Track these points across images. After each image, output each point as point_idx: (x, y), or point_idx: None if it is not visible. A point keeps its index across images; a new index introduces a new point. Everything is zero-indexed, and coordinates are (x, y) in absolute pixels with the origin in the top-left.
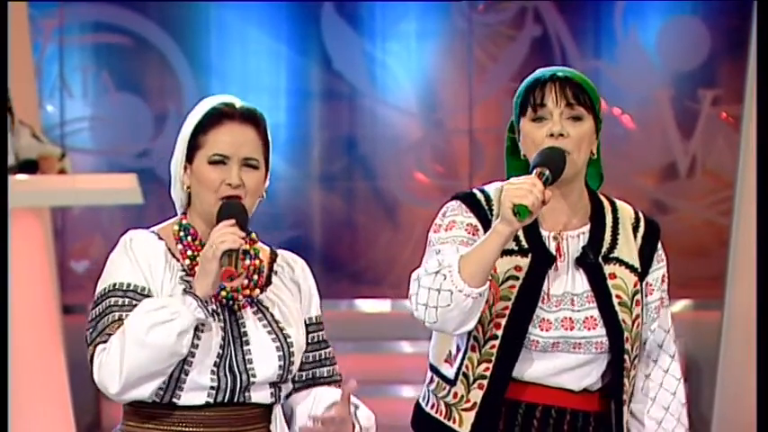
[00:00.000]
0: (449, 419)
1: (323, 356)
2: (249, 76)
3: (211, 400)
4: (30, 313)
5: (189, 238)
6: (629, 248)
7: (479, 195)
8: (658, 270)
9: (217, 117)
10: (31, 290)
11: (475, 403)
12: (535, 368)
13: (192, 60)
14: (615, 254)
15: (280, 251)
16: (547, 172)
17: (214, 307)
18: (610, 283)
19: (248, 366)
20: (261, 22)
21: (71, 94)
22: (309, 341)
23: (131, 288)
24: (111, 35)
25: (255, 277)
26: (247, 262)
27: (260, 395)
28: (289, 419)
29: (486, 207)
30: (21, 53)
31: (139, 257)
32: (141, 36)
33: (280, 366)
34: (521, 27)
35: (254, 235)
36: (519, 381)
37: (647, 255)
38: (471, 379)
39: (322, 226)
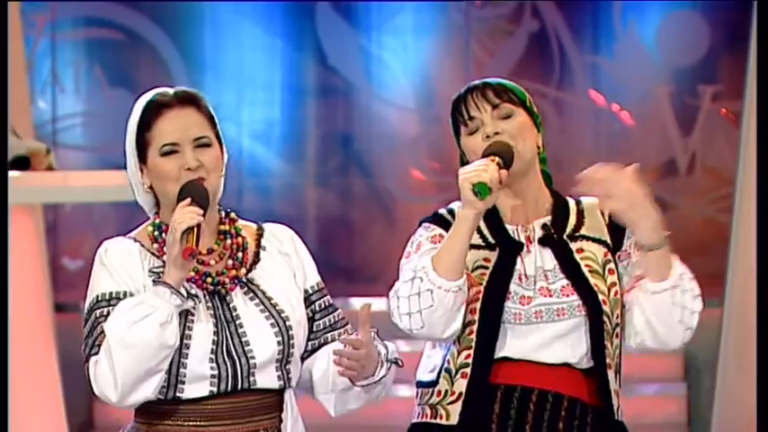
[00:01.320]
0: (434, 418)
1: (333, 320)
2: (243, 71)
3: (215, 389)
4: (22, 312)
5: (163, 235)
6: (596, 226)
7: (442, 211)
8: (631, 237)
9: (155, 109)
10: (24, 288)
11: (460, 393)
12: (524, 343)
13: (186, 56)
14: (582, 232)
15: (266, 225)
16: (497, 158)
17: (194, 292)
18: (577, 256)
19: (246, 349)
20: (255, 16)
21: (63, 90)
22: (317, 309)
23: (114, 296)
24: (103, 30)
25: (240, 255)
26: (228, 242)
27: (266, 379)
28: (307, 385)
29: (451, 218)
30: (12, 48)
31: (116, 265)
32: (134, 31)
33: (279, 343)
34: (518, 22)
35: (233, 214)
36: (511, 360)
37: (617, 227)
38: (454, 371)
39: (317, 223)
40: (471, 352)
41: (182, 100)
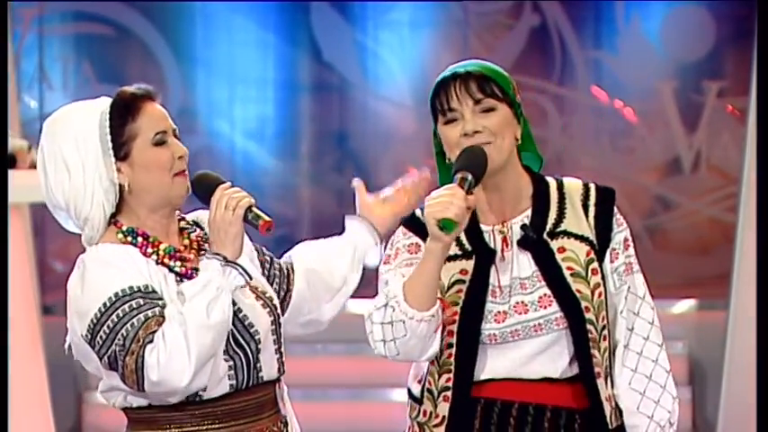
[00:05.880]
0: None
1: (276, 268)
2: (236, 66)
3: (234, 383)
4: (9, 314)
5: (140, 239)
6: (577, 220)
7: (418, 213)
8: (620, 233)
9: (133, 103)
10: (11, 290)
11: (443, 417)
12: (503, 363)
13: (177, 50)
14: (563, 227)
15: (191, 216)
16: (469, 176)
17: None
18: (559, 257)
19: (252, 331)
20: (248, 10)
21: (51, 86)
22: (268, 273)
23: (137, 290)
24: (92, 25)
25: (207, 246)
26: (194, 235)
27: (268, 366)
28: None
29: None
30: None
31: (122, 263)
32: (124, 26)
33: (272, 322)
34: (518, 16)
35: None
36: (494, 380)
37: (604, 221)
38: (436, 393)
39: (311, 223)
40: (452, 376)
41: (150, 94)
